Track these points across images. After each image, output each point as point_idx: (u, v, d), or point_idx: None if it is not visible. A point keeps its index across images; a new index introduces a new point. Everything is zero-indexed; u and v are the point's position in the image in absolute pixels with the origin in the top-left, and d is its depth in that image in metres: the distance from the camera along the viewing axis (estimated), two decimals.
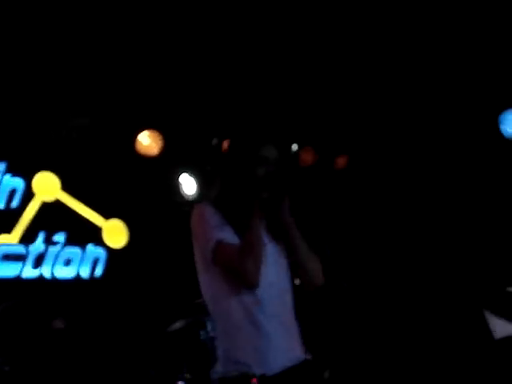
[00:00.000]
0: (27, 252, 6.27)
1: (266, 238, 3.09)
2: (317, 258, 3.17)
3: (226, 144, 6.83)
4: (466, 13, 5.82)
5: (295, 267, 3.16)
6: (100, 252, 6.69)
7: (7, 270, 6.13)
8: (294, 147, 7.26)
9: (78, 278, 6.52)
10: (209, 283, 3.08)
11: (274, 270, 3.07)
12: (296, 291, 3.19)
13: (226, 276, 2.99)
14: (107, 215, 6.75)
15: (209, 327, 4.86)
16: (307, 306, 3.47)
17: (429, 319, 6.81)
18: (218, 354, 3.07)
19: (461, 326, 6.32)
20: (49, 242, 6.40)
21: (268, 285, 3.01)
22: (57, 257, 6.43)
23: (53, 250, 6.41)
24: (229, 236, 3.01)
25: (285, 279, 3.13)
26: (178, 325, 5.11)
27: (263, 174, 3.09)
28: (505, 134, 6.79)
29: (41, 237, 6.35)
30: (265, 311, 2.97)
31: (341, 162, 7.60)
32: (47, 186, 6.46)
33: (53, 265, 6.40)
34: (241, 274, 2.94)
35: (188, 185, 7.05)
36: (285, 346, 2.98)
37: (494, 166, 6.93)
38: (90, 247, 6.63)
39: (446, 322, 6.66)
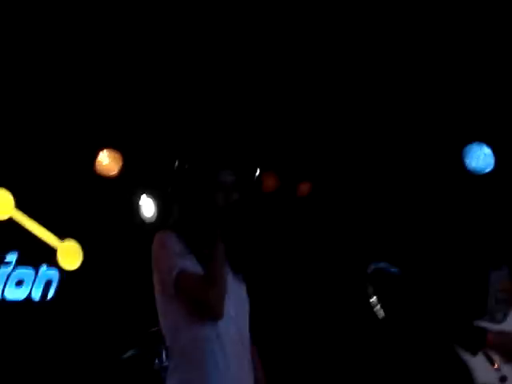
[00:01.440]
0: None
1: (226, 270, 3.00)
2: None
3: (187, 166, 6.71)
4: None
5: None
6: (53, 273, 6.50)
7: None
8: (257, 172, 7.16)
9: (29, 300, 6.32)
10: (168, 313, 2.98)
11: (233, 303, 2.98)
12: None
13: (188, 307, 2.89)
14: (62, 236, 6.56)
15: (163, 356, 4.72)
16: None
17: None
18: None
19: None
20: (0, 261, 6.21)
21: (228, 318, 2.92)
22: (8, 277, 6.24)
23: (4, 270, 6.22)
24: (191, 265, 2.92)
25: (244, 313, 3.05)
26: (131, 352, 4.96)
27: (222, 201, 3.02)
28: (468, 167, 6.79)
29: None
30: (222, 346, 2.88)
31: (303, 188, 7.52)
32: (1, 204, 6.27)
33: (3, 286, 6.20)
34: (204, 305, 2.85)
35: (147, 206, 6.91)
36: (239, 381, 2.91)
37: (457, 198, 6.90)
38: (43, 268, 6.44)
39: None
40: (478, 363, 4.59)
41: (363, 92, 6.47)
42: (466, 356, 4.61)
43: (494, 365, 4.52)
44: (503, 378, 4.55)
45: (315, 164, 7.51)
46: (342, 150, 7.24)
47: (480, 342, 4.50)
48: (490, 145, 6.80)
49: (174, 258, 2.92)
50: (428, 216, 7.00)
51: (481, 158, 6.76)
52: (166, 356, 4.62)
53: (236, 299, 3.01)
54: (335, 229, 7.40)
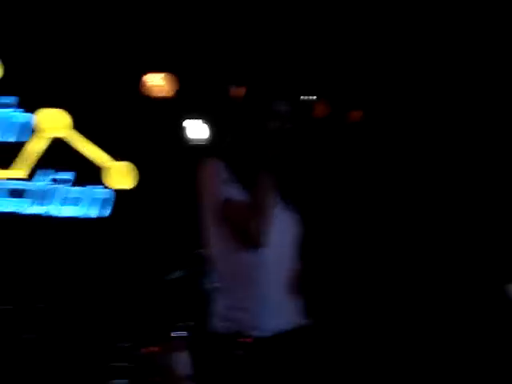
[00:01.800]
0: (36, 189, 6.27)
1: (275, 199, 3.04)
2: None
3: (240, 92, 6.74)
4: None
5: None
6: (108, 192, 6.67)
7: (13, 206, 6.14)
8: (309, 99, 7.18)
9: (84, 217, 6.52)
10: (215, 239, 3.04)
11: (280, 233, 3.02)
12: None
13: (232, 234, 2.95)
14: (117, 156, 6.72)
15: (212, 277, 4.86)
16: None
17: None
18: (218, 308, 3.06)
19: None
20: (58, 180, 6.39)
21: (273, 247, 2.97)
22: (65, 195, 6.42)
23: (61, 188, 6.41)
24: (237, 193, 2.96)
25: (291, 244, 3.08)
26: (179, 272, 5.12)
27: (275, 129, 3.02)
28: None
29: (50, 175, 6.34)
30: (267, 274, 2.94)
31: (355, 115, 7.51)
32: (57, 123, 6.43)
33: (60, 203, 6.39)
34: (246, 234, 2.89)
35: (199, 129, 6.99)
36: (283, 310, 2.95)
37: None
38: (98, 188, 6.61)
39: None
40: None
41: (417, 23, 6.35)
42: None
43: None
44: None
45: (367, 91, 7.48)
46: (394, 77, 7.18)
47: None
48: None
49: (220, 186, 2.96)
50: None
51: None
52: (215, 277, 4.74)
53: (283, 228, 3.04)
54: (385, 156, 7.40)
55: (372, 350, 5.91)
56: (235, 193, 2.95)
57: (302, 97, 7.05)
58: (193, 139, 6.95)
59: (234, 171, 3.01)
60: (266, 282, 2.89)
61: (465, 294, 6.02)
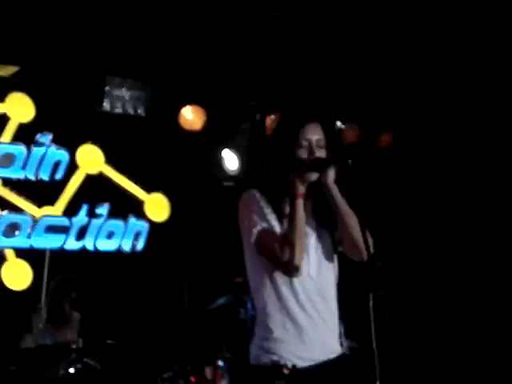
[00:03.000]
0: (70, 224, 6.33)
1: (310, 228, 3.06)
2: (358, 225, 3.02)
3: (268, 120, 6.79)
4: None
5: (340, 236, 3.09)
6: (142, 225, 6.72)
7: (50, 242, 6.21)
8: (338, 124, 7.19)
9: (119, 251, 6.57)
10: (252, 270, 3.09)
11: (315, 261, 3.04)
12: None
13: (268, 265, 2.99)
14: (150, 189, 6.78)
15: (249, 306, 4.87)
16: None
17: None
18: (255, 339, 3.09)
19: None
20: (92, 214, 6.45)
21: (308, 277, 2.99)
22: (99, 229, 6.48)
23: (96, 222, 6.47)
24: (272, 223, 3.00)
25: (327, 272, 3.10)
26: (218, 302, 5.13)
27: (307, 157, 3.05)
28: None
29: (84, 209, 6.41)
30: (302, 304, 2.96)
31: (385, 139, 7.51)
32: (91, 159, 6.51)
33: (95, 237, 6.45)
34: (281, 263, 2.93)
35: (230, 160, 7.05)
36: (319, 341, 2.97)
37: None
38: (132, 220, 6.66)
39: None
40: None
41: (446, 45, 6.35)
42: None
43: None
44: None
45: (397, 115, 7.48)
46: (424, 99, 7.17)
47: None
48: None
49: (256, 217, 3.01)
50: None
51: None
52: (252, 306, 4.76)
53: (319, 258, 3.07)
54: (417, 180, 7.39)
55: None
56: (270, 223, 3.00)
57: (332, 123, 7.08)
58: (226, 169, 7.00)
59: (271, 201, 3.06)
60: (299, 312, 2.91)
61: None
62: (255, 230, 2.99)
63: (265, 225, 3.00)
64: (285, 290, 2.99)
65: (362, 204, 3.02)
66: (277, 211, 3.04)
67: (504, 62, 6.40)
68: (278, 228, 3.01)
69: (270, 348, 2.97)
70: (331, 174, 3.01)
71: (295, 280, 2.98)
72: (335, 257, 3.17)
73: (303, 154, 3.07)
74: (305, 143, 3.08)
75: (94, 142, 6.46)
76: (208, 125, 6.79)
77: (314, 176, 3.05)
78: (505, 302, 6.61)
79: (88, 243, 6.41)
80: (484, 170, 7.10)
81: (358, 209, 3.01)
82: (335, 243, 3.15)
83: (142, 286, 6.28)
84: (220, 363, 5.07)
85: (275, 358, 2.94)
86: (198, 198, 6.86)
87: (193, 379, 5.00)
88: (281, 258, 2.93)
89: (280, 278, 2.99)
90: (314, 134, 3.10)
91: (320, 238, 3.11)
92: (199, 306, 5.20)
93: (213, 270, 6.35)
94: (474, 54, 6.39)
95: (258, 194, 3.08)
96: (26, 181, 6.20)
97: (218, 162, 7.04)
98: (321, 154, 3.08)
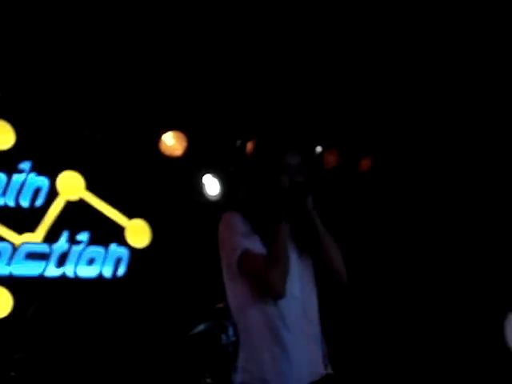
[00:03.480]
0: (51, 251, 6.30)
1: (291, 250, 3.07)
2: (340, 255, 3.11)
3: (249, 146, 6.82)
4: None
5: (321, 267, 3.12)
6: (123, 251, 6.69)
7: (30, 269, 6.17)
8: (318, 149, 7.23)
9: (100, 278, 6.53)
10: (234, 292, 3.07)
11: (298, 282, 3.05)
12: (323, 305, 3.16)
13: (251, 286, 2.98)
14: (130, 215, 6.76)
15: (230, 331, 4.85)
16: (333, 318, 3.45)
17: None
18: (239, 362, 3.07)
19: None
20: (72, 241, 6.42)
21: (292, 298, 2.99)
22: (80, 256, 6.45)
23: (76, 249, 6.44)
24: (255, 245, 3.00)
25: (310, 293, 3.11)
26: (199, 328, 5.10)
27: (287, 183, 3.07)
28: None
29: (64, 236, 6.38)
30: (287, 325, 2.95)
31: (365, 164, 7.55)
32: (71, 185, 6.49)
33: (76, 264, 6.42)
34: (266, 285, 2.93)
35: (211, 185, 7.05)
36: (305, 362, 2.96)
37: None
38: (112, 247, 6.64)
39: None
40: None
41: (425, 67, 6.43)
42: None
43: None
44: None
45: (376, 140, 7.53)
46: (403, 124, 7.23)
47: None
48: None
49: (238, 238, 3.01)
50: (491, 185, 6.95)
51: None
52: (234, 331, 4.74)
53: (302, 279, 3.08)
54: (395, 205, 7.42)
55: None
56: (253, 244, 3.00)
57: (312, 148, 7.12)
58: (207, 195, 7.01)
59: (252, 224, 3.06)
60: (285, 333, 2.91)
61: None
62: (239, 251, 2.98)
63: (248, 245, 2.99)
64: (269, 311, 2.98)
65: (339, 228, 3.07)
66: (260, 233, 3.04)
67: (481, 86, 6.48)
68: (262, 249, 3.01)
69: (256, 370, 2.95)
70: (310, 201, 3.05)
71: (280, 300, 2.98)
72: (315, 280, 3.18)
73: (284, 178, 3.09)
74: (286, 169, 3.10)
75: (75, 169, 6.44)
76: (189, 150, 6.79)
77: (294, 200, 3.07)
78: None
79: (68, 270, 6.38)
80: (463, 195, 7.16)
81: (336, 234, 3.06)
82: (316, 266, 3.16)
83: (122, 312, 6.23)
84: None
85: (261, 380, 2.92)
86: (178, 223, 6.84)
87: None
88: (265, 280, 2.93)
89: (264, 298, 2.99)
90: (295, 160, 3.13)
91: (301, 259, 3.12)
92: (180, 332, 5.15)
93: (194, 296, 6.32)
94: (451, 80, 6.47)
95: (239, 216, 3.09)
96: (6, 208, 6.17)
97: (199, 188, 7.03)
98: (300, 179, 3.11)
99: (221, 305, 4.80)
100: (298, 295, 3.03)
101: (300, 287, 3.05)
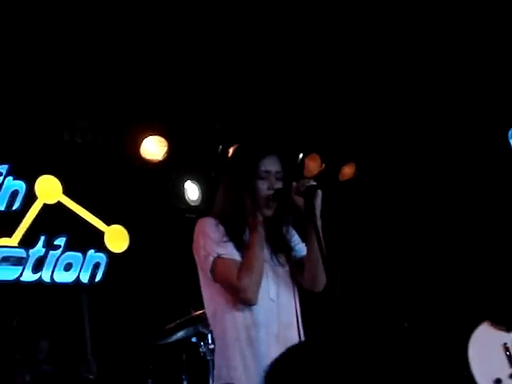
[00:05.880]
0: (27, 255, 6.20)
1: (267, 254, 3.04)
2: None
3: (231, 151, 6.77)
4: None
5: (300, 271, 3.10)
6: (101, 257, 6.61)
7: (6, 274, 6.08)
8: (300, 156, 7.19)
9: (77, 283, 6.45)
10: (209, 298, 3.05)
11: (274, 286, 3.02)
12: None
13: (225, 292, 2.95)
14: (109, 220, 6.68)
15: (209, 339, 4.79)
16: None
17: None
18: (215, 369, 3.04)
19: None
20: (49, 245, 6.33)
21: (267, 302, 2.96)
22: (57, 261, 6.36)
23: (53, 253, 6.35)
24: (229, 251, 2.97)
25: (286, 297, 3.08)
26: (178, 335, 5.04)
27: (265, 190, 3.05)
28: None
29: (41, 240, 6.29)
30: (261, 331, 2.92)
31: (347, 171, 7.51)
32: (49, 190, 6.40)
33: (53, 269, 6.33)
34: (237, 292, 2.90)
35: (191, 191, 6.99)
36: None
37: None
38: (90, 252, 6.55)
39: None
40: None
41: (410, 70, 6.40)
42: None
43: None
44: (498, 381, 4.70)
45: (359, 146, 7.50)
46: (386, 130, 7.21)
47: None
48: None
49: (212, 244, 2.97)
50: (473, 196, 6.93)
51: None
52: (212, 339, 4.68)
53: (278, 284, 3.04)
54: (380, 212, 7.40)
55: None
56: (227, 251, 2.95)
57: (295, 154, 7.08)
58: (188, 200, 6.95)
59: (227, 230, 3.01)
60: (259, 338, 2.86)
61: None
62: (211, 258, 2.95)
63: (222, 252, 2.96)
64: (243, 317, 2.95)
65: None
66: (235, 239, 3.01)
67: (464, 92, 6.48)
68: (237, 256, 2.97)
69: (229, 377, 2.92)
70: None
71: (253, 307, 2.94)
72: (294, 284, 3.14)
73: (262, 185, 3.07)
74: (264, 175, 3.08)
75: (53, 173, 6.36)
76: (170, 156, 6.72)
77: (272, 206, 3.05)
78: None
79: (45, 275, 6.28)
80: (448, 201, 7.14)
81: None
82: (292, 272, 3.13)
83: (99, 317, 6.14)
84: None
85: None
86: (158, 229, 6.78)
87: None
88: (237, 286, 2.90)
89: (238, 304, 2.95)
90: (274, 166, 3.11)
91: (276, 263, 3.10)
92: (158, 338, 5.08)
93: (172, 302, 6.25)
94: (434, 86, 6.45)
95: (214, 221, 3.05)
96: None
97: (180, 193, 6.96)
98: (279, 186, 3.10)
99: (199, 311, 4.74)
100: (274, 299, 3.00)
101: (276, 291, 3.03)
